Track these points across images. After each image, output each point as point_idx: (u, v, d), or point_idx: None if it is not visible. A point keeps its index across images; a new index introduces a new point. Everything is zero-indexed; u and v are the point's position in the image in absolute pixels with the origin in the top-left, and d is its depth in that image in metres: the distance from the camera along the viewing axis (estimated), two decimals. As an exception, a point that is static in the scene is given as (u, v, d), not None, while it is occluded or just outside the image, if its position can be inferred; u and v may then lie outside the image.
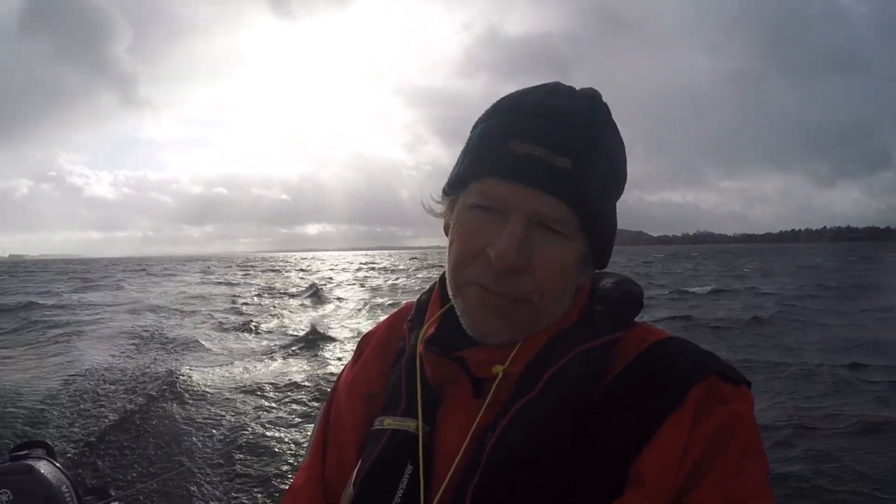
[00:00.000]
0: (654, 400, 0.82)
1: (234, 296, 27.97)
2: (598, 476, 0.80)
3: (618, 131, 0.94)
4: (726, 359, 0.91)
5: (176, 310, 21.02)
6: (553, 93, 0.91)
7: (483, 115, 0.96)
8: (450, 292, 0.97)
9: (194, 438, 6.84)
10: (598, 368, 0.87)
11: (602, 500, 0.78)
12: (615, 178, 0.94)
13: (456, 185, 0.95)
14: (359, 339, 1.22)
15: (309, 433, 6.36)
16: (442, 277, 1.04)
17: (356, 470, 0.96)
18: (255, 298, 26.76)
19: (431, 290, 1.11)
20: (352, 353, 1.22)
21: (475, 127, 0.96)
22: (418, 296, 1.15)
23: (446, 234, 0.99)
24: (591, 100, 0.91)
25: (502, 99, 0.94)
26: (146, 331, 15.40)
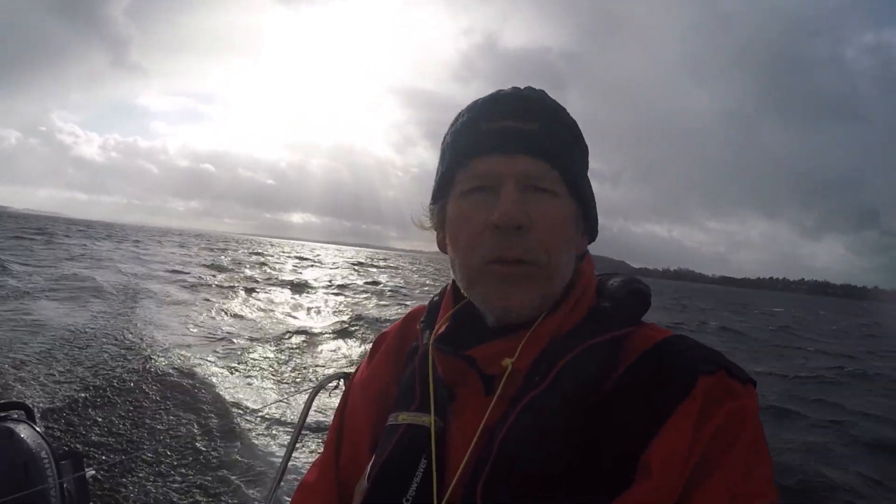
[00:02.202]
0: (663, 392, 0.83)
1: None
2: (606, 468, 0.80)
3: (567, 111, 1.01)
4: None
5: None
6: (501, 90, 0.99)
7: (449, 126, 1.03)
8: (464, 288, 1.00)
9: (172, 414, 6.77)
10: (606, 363, 0.89)
11: (611, 492, 0.78)
12: (579, 146, 1.01)
13: (442, 187, 1.01)
14: (373, 341, 1.25)
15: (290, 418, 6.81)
16: (453, 281, 1.07)
17: (371, 463, 0.98)
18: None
19: (443, 292, 1.14)
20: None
21: (444, 139, 1.03)
22: (432, 297, 1.17)
23: (442, 250, 1.05)
24: (536, 90, 1.01)
25: (462, 109, 1.02)
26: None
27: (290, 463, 1.99)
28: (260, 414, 7.06)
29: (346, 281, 33.48)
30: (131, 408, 6.79)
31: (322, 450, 1.18)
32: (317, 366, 10.39)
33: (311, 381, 9.17)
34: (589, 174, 1.04)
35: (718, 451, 0.79)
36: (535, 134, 0.94)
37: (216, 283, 23.61)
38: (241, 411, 7.14)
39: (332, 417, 1.18)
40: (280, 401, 7.57)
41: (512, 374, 0.92)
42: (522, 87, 1.00)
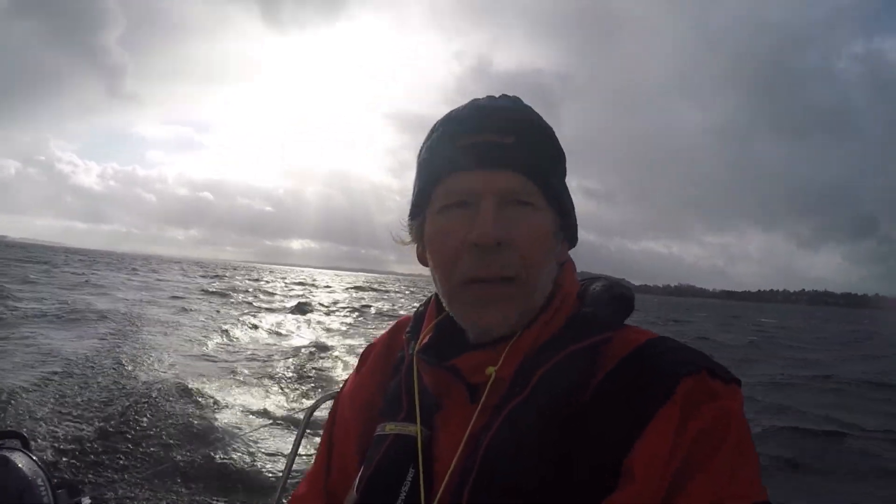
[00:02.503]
0: (644, 396, 0.83)
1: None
2: (591, 473, 0.80)
3: (543, 118, 1.01)
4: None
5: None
6: (476, 100, 1.00)
7: (423, 141, 1.03)
8: (445, 304, 1.01)
9: (168, 441, 6.77)
10: (587, 368, 0.89)
11: (595, 498, 0.78)
12: (556, 154, 1.01)
13: (419, 203, 1.01)
14: (360, 352, 1.25)
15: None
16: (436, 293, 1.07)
17: (359, 474, 1.00)
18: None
19: (427, 302, 1.14)
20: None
21: (420, 152, 1.03)
22: (417, 308, 1.17)
23: (422, 263, 1.05)
24: (509, 97, 1.01)
25: (436, 122, 1.01)
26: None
27: (288, 481, 2.00)
28: (257, 435, 7.09)
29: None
30: (128, 435, 6.79)
31: (313, 461, 1.20)
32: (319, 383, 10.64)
33: (309, 396, 9.41)
34: (584, 192, 1.25)
35: (702, 454, 0.78)
36: (512, 147, 0.93)
37: (213, 307, 24.13)
38: (237, 433, 7.16)
39: None
40: (277, 421, 7.64)
41: (496, 382, 0.92)
42: (497, 96, 1.01)
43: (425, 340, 1.06)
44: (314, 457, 1.20)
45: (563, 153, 1.03)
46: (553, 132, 1.01)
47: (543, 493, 0.81)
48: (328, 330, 20.02)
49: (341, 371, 12.05)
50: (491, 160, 0.93)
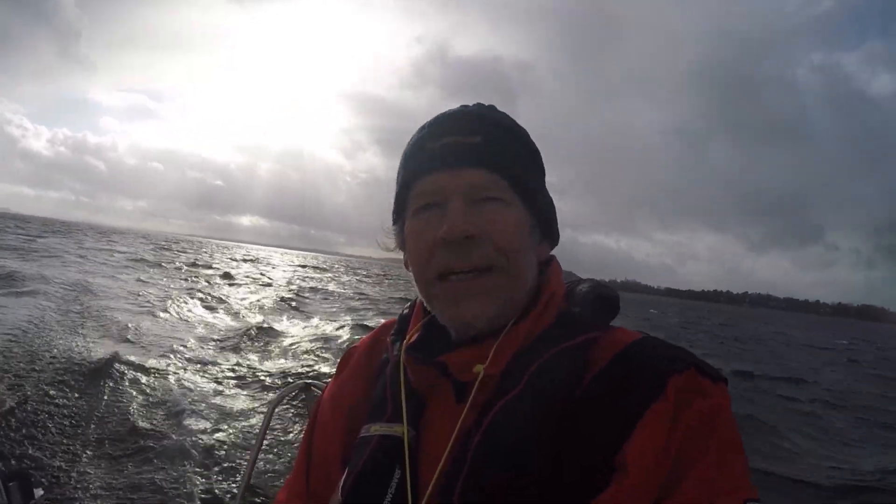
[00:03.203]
0: (635, 392, 0.84)
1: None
2: (582, 471, 0.81)
3: (517, 122, 1.04)
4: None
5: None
6: (449, 109, 1.03)
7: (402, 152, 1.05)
8: (425, 303, 1.03)
9: (122, 426, 6.52)
10: (578, 367, 0.89)
11: (587, 496, 0.79)
12: (529, 152, 1.03)
13: (398, 209, 1.04)
14: (341, 355, 1.24)
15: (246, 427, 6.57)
16: None
17: (344, 476, 0.99)
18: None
19: (413, 305, 1.15)
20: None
21: (400, 160, 1.05)
22: (401, 311, 1.17)
23: (407, 269, 1.05)
24: (483, 105, 1.03)
25: (414, 132, 1.04)
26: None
27: (252, 478, 1.97)
28: (220, 426, 6.85)
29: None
30: (77, 419, 6.51)
31: (292, 467, 1.18)
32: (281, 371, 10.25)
33: (270, 387, 9.01)
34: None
35: (693, 449, 0.80)
36: (478, 145, 0.95)
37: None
38: (199, 423, 6.91)
39: (293, 426, 1.39)
40: (246, 409, 7.42)
41: (484, 380, 0.92)
42: (471, 104, 1.03)
43: (413, 339, 1.05)
44: (294, 458, 1.22)
45: (537, 153, 1.05)
46: (525, 134, 1.04)
47: (535, 491, 0.81)
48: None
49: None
50: (457, 159, 0.95)
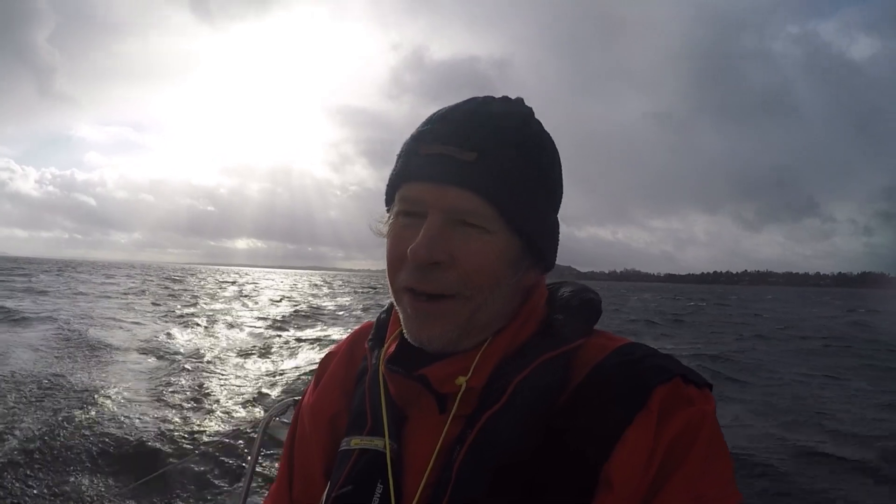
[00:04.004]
0: (619, 403, 0.83)
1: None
2: (568, 483, 0.80)
3: (541, 132, 0.95)
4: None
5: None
6: (469, 101, 0.93)
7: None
8: (395, 305, 0.99)
9: (120, 458, 6.47)
10: (561, 377, 0.88)
11: None
12: (533, 173, 0.92)
13: (388, 199, 0.99)
14: (318, 362, 1.21)
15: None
16: None
17: (326, 492, 0.97)
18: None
19: (390, 309, 1.10)
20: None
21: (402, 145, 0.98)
22: (378, 314, 1.14)
23: None
24: (507, 102, 0.94)
25: (425, 118, 0.96)
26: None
27: (248, 498, 1.94)
28: (213, 449, 6.81)
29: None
30: (71, 457, 6.42)
31: (275, 478, 1.16)
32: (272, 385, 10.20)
33: (261, 405, 8.88)
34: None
35: (677, 459, 0.80)
36: (470, 165, 0.87)
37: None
38: (192, 447, 6.90)
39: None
40: (233, 431, 7.36)
41: (466, 392, 0.90)
42: (497, 98, 0.95)
43: (391, 350, 1.01)
44: (276, 473, 1.16)
45: (549, 172, 0.96)
46: (538, 150, 0.93)
47: (532, 498, 0.81)
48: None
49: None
50: (444, 175, 0.88)
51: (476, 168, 0.87)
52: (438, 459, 0.88)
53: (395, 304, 0.97)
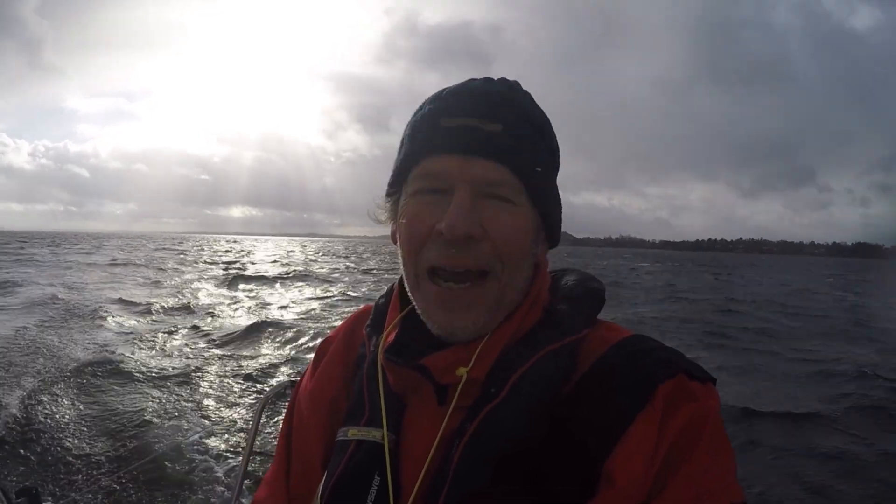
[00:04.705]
0: (623, 398, 0.82)
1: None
2: (570, 478, 0.79)
3: (539, 108, 0.96)
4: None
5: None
6: (473, 80, 0.94)
7: (411, 116, 0.97)
8: (408, 290, 0.96)
9: (119, 438, 6.52)
10: (564, 368, 0.87)
11: (575, 502, 0.78)
12: (547, 148, 0.95)
13: (397, 180, 0.96)
14: (317, 347, 1.20)
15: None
16: (401, 280, 1.02)
17: (322, 483, 0.95)
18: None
19: (390, 293, 1.09)
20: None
21: (405, 129, 0.97)
22: (377, 299, 1.13)
23: (394, 241, 0.99)
24: (507, 81, 0.95)
25: (427, 98, 0.96)
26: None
27: (245, 481, 1.92)
28: (211, 429, 6.79)
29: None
30: (76, 433, 6.53)
31: (271, 464, 1.15)
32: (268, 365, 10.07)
33: (256, 388, 8.73)
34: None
35: (680, 455, 0.79)
36: (496, 136, 0.87)
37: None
38: (191, 428, 6.90)
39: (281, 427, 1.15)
40: (229, 412, 7.37)
41: (467, 383, 0.89)
42: (496, 79, 0.95)
43: (390, 339, 1.00)
44: (273, 458, 1.14)
45: (556, 147, 0.98)
46: (547, 125, 0.96)
47: (524, 497, 0.80)
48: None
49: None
50: (471, 146, 0.87)
51: (501, 138, 0.87)
52: (438, 451, 0.87)
53: (412, 287, 0.95)
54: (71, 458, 5.87)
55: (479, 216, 0.86)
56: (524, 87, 0.96)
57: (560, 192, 0.99)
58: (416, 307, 0.95)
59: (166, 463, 5.84)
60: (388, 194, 0.99)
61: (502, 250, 0.87)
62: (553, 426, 0.83)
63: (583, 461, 0.80)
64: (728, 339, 14.92)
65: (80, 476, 5.54)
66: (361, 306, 1.20)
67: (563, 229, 1.03)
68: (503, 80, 0.95)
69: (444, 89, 0.94)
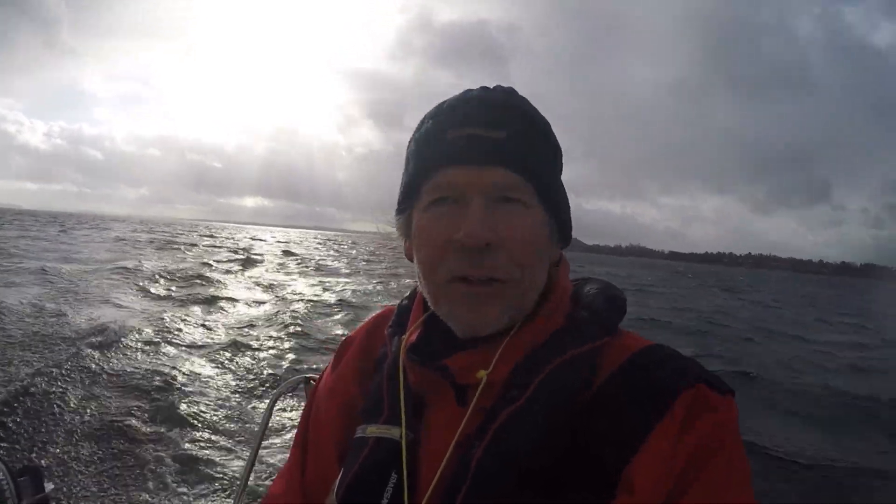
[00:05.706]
0: (643, 408, 0.82)
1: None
2: (587, 484, 0.80)
3: (538, 111, 0.98)
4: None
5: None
6: (470, 90, 0.95)
7: (413, 133, 0.98)
8: (430, 303, 0.97)
9: (126, 422, 6.34)
10: (584, 376, 0.87)
11: None
12: (551, 149, 0.97)
13: (406, 197, 0.97)
14: (338, 345, 1.21)
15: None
16: None
17: (339, 479, 0.95)
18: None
19: (413, 295, 1.10)
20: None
21: (409, 145, 0.98)
22: (399, 300, 1.14)
23: (409, 259, 1.00)
24: (505, 88, 0.96)
25: (427, 113, 0.97)
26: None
27: (252, 474, 1.90)
28: (219, 421, 6.70)
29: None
30: (81, 411, 6.48)
31: (287, 458, 1.15)
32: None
33: (269, 381, 8.55)
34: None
35: (699, 467, 0.79)
36: (503, 142, 0.89)
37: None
38: (199, 418, 6.75)
39: (293, 421, 1.37)
40: (239, 403, 7.29)
41: (487, 385, 0.89)
42: (492, 87, 0.97)
43: (413, 338, 1.02)
44: (289, 453, 1.16)
45: (559, 148, 1.00)
46: (548, 126, 0.98)
47: (551, 496, 0.80)
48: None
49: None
50: (480, 155, 0.89)
51: (508, 145, 0.89)
52: (455, 452, 0.87)
53: (433, 297, 0.95)
54: (76, 439, 5.81)
55: (495, 222, 0.88)
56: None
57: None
58: (440, 315, 0.96)
59: (174, 449, 5.80)
60: (399, 211, 1.01)
61: (520, 255, 0.89)
62: (572, 433, 0.83)
63: (601, 469, 0.80)
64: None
65: (83, 456, 5.50)
66: (383, 307, 1.21)
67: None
68: (500, 87, 0.97)
69: (444, 102, 0.96)
